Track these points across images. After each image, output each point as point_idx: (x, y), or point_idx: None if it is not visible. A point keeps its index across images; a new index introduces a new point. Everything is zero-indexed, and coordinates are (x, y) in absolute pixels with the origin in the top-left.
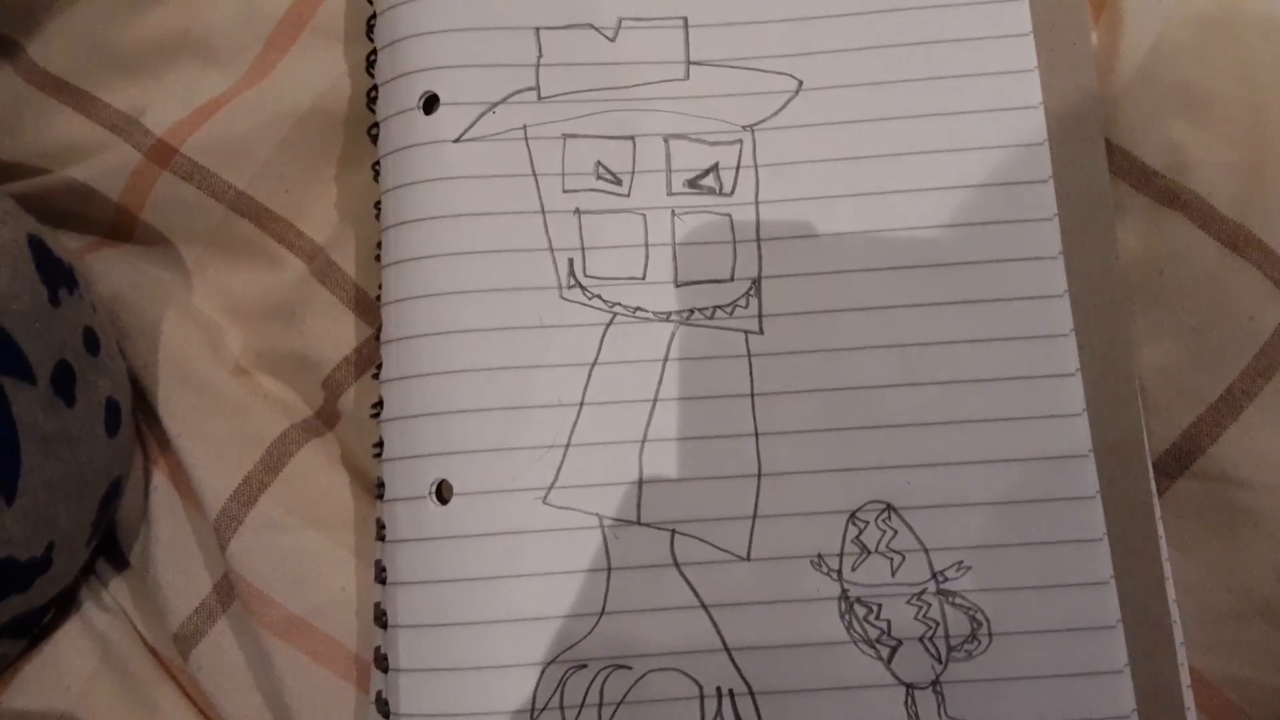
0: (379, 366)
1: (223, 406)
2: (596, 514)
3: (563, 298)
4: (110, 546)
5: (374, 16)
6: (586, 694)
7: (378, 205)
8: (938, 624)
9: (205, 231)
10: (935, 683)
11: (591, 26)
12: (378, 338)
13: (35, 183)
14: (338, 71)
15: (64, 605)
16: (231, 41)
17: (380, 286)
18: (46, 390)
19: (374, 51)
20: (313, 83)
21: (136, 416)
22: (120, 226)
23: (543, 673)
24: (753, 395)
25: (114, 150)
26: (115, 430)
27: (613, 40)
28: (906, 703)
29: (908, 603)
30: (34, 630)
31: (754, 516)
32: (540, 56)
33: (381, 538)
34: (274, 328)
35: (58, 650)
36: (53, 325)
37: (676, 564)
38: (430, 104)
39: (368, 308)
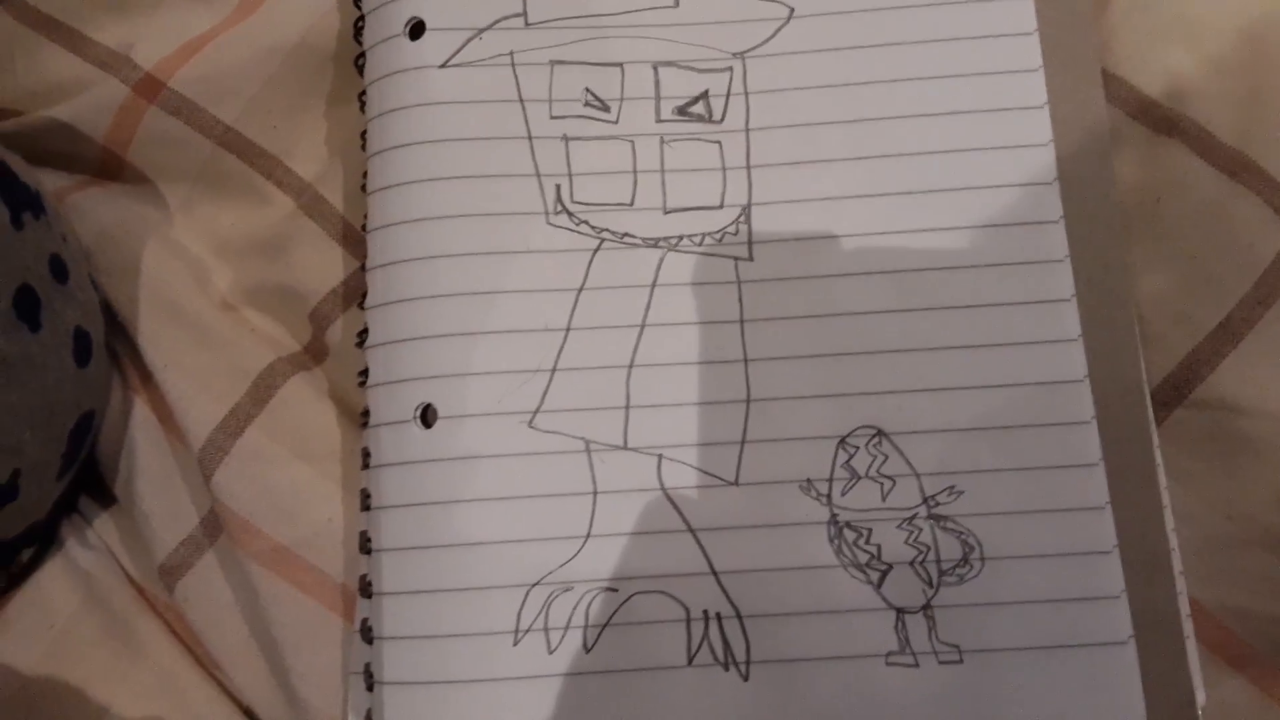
0: (365, 295)
1: (208, 340)
2: (583, 438)
3: (549, 223)
4: (94, 483)
5: None
6: (572, 616)
7: (364, 135)
8: (929, 548)
9: (193, 168)
10: (926, 607)
11: None
12: (364, 269)
13: (24, 120)
14: (326, 6)
15: (46, 543)
16: None
17: (366, 215)
18: (8, 312)
19: None
20: (300, 17)
21: (118, 351)
22: (108, 165)
23: (527, 594)
24: (742, 321)
25: (102, 86)
26: (85, 361)
27: None
28: (897, 626)
29: (898, 527)
30: (11, 565)
31: (742, 442)
32: None
33: (367, 466)
34: (261, 262)
35: (40, 588)
36: (14, 248)
37: (664, 488)
38: (416, 30)
39: (355, 241)
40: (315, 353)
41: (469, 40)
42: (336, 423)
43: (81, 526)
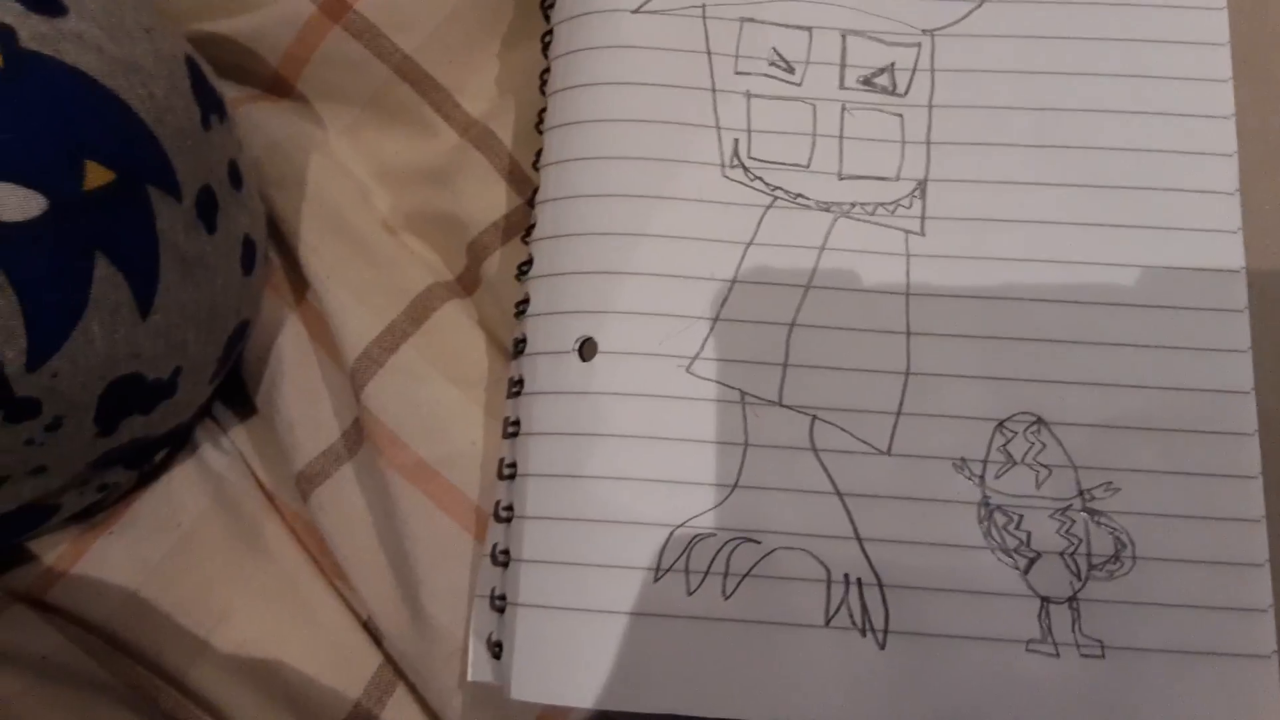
0: (529, 228)
1: (370, 256)
2: (738, 389)
3: (725, 176)
4: (229, 393)
5: None
6: (713, 561)
7: (543, 75)
8: (1080, 541)
9: (364, 93)
10: (1072, 599)
11: None
12: (529, 203)
13: (203, 29)
14: None
15: (179, 445)
16: None
17: (538, 154)
18: (190, 211)
19: None
20: None
21: (274, 263)
22: (279, 81)
23: (670, 535)
24: (908, 294)
25: (287, 2)
26: (250, 269)
27: None
28: (1040, 615)
29: (1050, 516)
30: (148, 463)
31: (898, 413)
32: None
33: (514, 394)
34: (425, 190)
35: (171, 487)
36: (202, 148)
37: (815, 449)
38: None
39: (520, 179)
40: (467, 283)
41: None
42: (485, 351)
43: (215, 433)
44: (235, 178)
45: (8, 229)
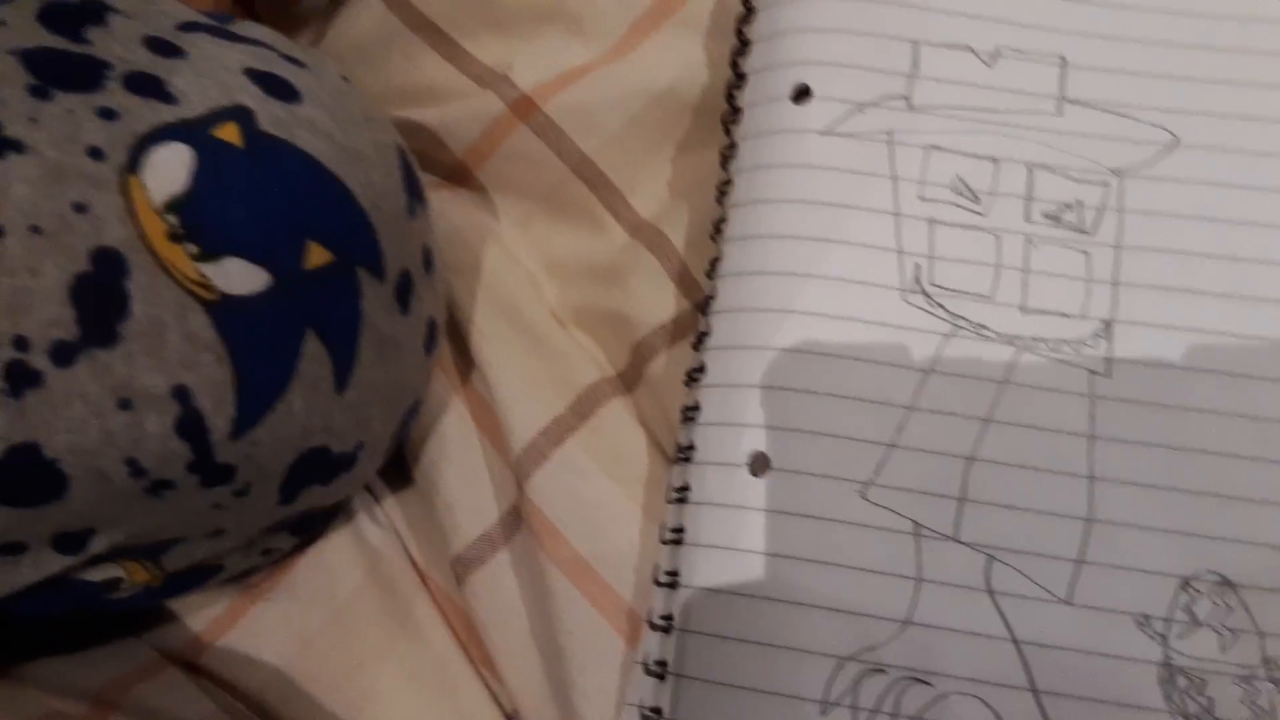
0: (699, 335)
1: (540, 348)
2: (913, 520)
3: (905, 301)
4: (386, 467)
5: (745, 15)
6: (882, 700)
7: (720, 187)
8: (1265, 712)
9: (541, 189)
10: None
11: (970, 49)
12: (701, 310)
13: (393, 115)
14: (696, 61)
15: (335, 515)
16: (601, 20)
17: (711, 262)
18: (390, 293)
19: (740, 45)
20: (671, 67)
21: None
22: (461, 171)
23: (839, 667)
24: (1091, 437)
25: (478, 98)
26: (430, 350)
27: (989, 66)
28: None
29: (1235, 684)
30: (310, 532)
31: (1079, 561)
32: (916, 69)
33: (677, 500)
34: (594, 286)
35: (327, 556)
36: (406, 234)
37: (990, 591)
38: (800, 96)
39: (690, 284)
40: (629, 380)
41: (851, 113)
42: (647, 451)
43: (372, 505)
44: (428, 261)
45: (233, 301)
